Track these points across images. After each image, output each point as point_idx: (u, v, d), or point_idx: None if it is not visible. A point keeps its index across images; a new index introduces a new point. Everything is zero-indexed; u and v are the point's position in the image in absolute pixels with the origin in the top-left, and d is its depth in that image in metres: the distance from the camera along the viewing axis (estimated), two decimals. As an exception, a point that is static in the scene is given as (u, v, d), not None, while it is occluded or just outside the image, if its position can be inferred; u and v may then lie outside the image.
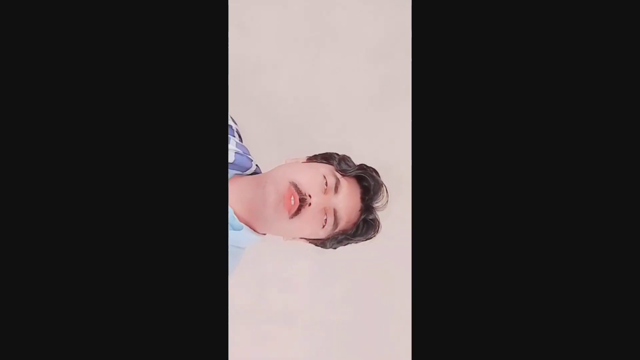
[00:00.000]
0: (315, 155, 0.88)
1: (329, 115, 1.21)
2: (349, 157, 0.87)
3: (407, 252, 0.58)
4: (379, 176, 0.85)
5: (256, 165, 0.89)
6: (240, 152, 0.86)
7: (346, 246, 1.04)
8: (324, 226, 0.81)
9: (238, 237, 0.81)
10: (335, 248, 0.88)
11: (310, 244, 0.88)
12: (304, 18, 1.20)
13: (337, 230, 0.82)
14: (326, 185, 0.79)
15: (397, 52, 1.17)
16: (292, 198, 0.77)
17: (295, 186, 0.77)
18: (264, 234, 0.86)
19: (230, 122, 0.91)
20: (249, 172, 0.87)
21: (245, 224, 0.82)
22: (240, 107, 1.03)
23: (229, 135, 0.87)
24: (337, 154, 0.87)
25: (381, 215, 0.88)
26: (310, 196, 0.77)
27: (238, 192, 0.82)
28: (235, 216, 0.81)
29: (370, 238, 0.87)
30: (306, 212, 0.77)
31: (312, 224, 0.80)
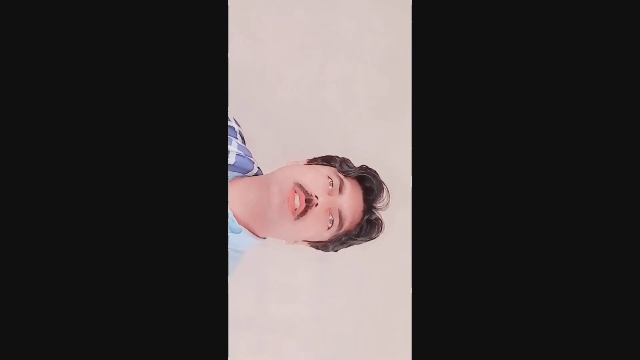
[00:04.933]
0: (315, 158, 0.87)
1: (333, 123, 1.20)
2: (349, 159, 0.87)
3: (409, 262, 0.58)
4: (379, 177, 0.85)
5: (258, 167, 0.88)
6: (242, 153, 0.85)
7: (348, 257, 1.04)
8: (329, 228, 0.80)
9: (236, 241, 0.80)
10: (336, 251, 0.87)
11: (311, 248, 0.87)
12: (309, 26, 1.21)
13: (341, 231, 0.82)
14: (331, 185, 0.79)
15: (401, 59, 1.17)
16: (297, 198, 0.76)
17: (300, 187, 0.76)
18: (264, 238, 0.85)
19: (232, 123, 0.91)
20: (250, 174, 0.86)
21: (245, 227, 0.81)
22: (245, 114, 1.03)
23: (230, 137, 0.86)
24: (337, 157, 0.87)
25: (387, 223, 0.86)
26: (317, 197, 0.76)
27: (239, 194, 0.80)
28: (234, 219, 0.79)
29: (374, 238, 0.86)
30: (312, 213, 0.76)
31: (316, 225, 0.79)
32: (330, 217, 0.79)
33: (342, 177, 0.81)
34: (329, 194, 0.79)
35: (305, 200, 0.76)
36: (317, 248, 0.87)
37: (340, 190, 0.80)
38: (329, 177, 0.79)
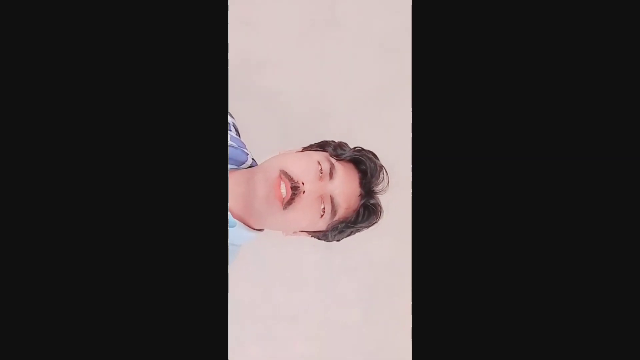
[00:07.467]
0: (310, 145, 0.84)
1: (334, 111, 1.18)
2: (345, 143, 0.83)
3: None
4: (377, 159, 0.81)
5: (252, 159, 0.86)
6: (235, 145, 0.83)
7: (354, 245, 1.01)
8: (322, 215, 0.76)
9: (232, 234, 0.77)
10: (338, 240, 0.83)
11: (312, 238, 0.84)
12: (309, 12, 1.19)
13: (336, 218, 0.77)
14: (321, 172, 0.75)
15: (403, 46, 1.13)
16: (283, 186, 0.72)
17: (286, 174, 0.73)
18: (261, 230, 0.82)
19: (226, 116, 0.89)
20: (244, 166, 0.84)
21: (240, 220, 0.78)
22: (245, 103, 1.01)
23: None
24: (333, 141, 0.83)
25: (391, 211, 0.82)
26: (303, 183, 0.73)
27: (232, 187, 0.78)
28: (229, 212, 0.77)
29: (374, 224, 0.81)
30: (300, 201, 0.73)
31: (308, 214, 0.75)
32: (322, 205, 0.75)
33: (334, 161, 0.77)
34: (319, 180, 0.75)
35: (292, 187, 0.72)
36: (318, 238, 0.83)
37: (331, 175, 0.76)
38: (319, 163, 0.75)
